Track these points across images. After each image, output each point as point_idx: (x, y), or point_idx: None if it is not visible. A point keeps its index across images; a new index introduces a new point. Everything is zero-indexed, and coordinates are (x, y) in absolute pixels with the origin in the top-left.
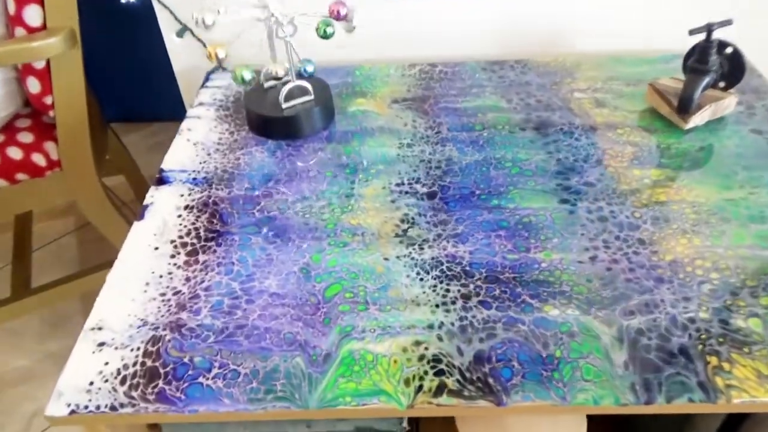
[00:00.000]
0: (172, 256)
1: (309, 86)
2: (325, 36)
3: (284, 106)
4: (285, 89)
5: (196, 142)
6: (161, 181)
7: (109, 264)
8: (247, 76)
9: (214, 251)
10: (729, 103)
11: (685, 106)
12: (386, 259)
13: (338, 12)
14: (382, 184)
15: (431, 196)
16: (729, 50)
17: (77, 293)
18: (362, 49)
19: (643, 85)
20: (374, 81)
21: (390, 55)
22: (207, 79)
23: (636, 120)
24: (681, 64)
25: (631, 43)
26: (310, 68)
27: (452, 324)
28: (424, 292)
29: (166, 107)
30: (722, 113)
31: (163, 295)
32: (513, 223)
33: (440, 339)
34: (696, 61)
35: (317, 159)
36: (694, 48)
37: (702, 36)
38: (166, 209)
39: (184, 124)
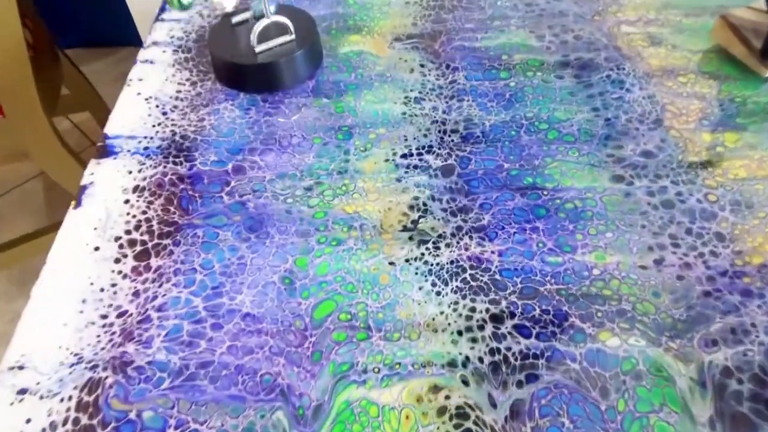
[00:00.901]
0: (117, 261)
1: (289, 23)
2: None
3: (258, 49)
4: (257, 28)
5: (148, 97)
6: (104, 152)
7: None
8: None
9: (171, 252)
10: None
11: None
12: (392, 263)
13: None
14: (384, 155)
15: (447, 171)
16: None
17: (47, 249)
18: None
19: (708, 16)
20: (371, 11)
21: None
22: (162, 9)
23: (701, 64)
24: None
25: None
26: (273, 7)
27: (480, 360)
28: (442, 312)
29: (133, 30)
30: None
31: (104, 317)
32: (553, 210)
33: (465, 383)
34: None
35: (301, 119)
36: None
37: None
38: (109, 192)
39: (134, 72)
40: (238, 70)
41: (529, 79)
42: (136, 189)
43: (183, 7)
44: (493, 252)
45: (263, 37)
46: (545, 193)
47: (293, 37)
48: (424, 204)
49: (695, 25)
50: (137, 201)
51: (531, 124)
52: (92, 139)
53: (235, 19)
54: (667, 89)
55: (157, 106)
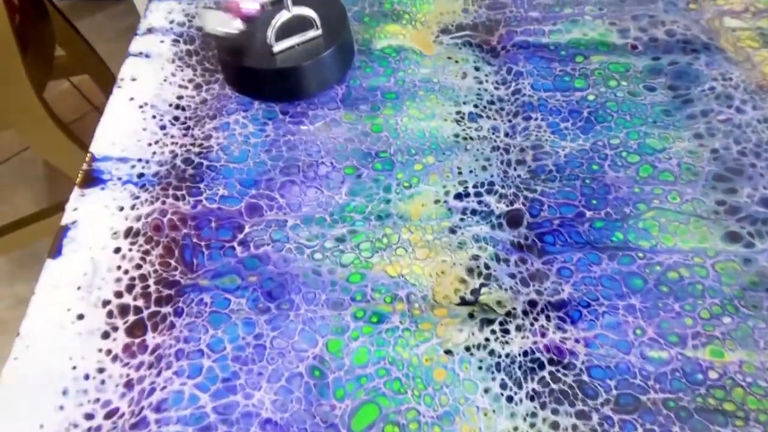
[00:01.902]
0: (105, 335)
1: (315, 15)
2: None
3: (276, 48)
4: (276, 23)
5: (143, 104)
6: (89, 179)
7: None
8: None
9: (172, 326)
10: None
11: None
12: (449, 351)
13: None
14: (433, 194)
15: (514, 220)
16: None
17: (50, 233)
18: None
19: None
20: None
21: None
22: None
23: None
24: None
25: None
26: None
27: None
28: (515, 429)
29: None
30: None
31: (89, 418)
32: (652, 282)
33: None
34: None
35: (330, 140)
36: None
37: None
38: (96, 237)
39: (126, 69)
40: (251, 75)
41: (611, 90)
42: (128, 233)
43: None
44: (577, 340)
45: (282, 32)
46: (640, 255)
47: (319, 32)
48: (487, 266)
49: None
50: (130, 250)
51: (617, 155)
52: (93, 103)
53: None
54: None
55: (154, 117)
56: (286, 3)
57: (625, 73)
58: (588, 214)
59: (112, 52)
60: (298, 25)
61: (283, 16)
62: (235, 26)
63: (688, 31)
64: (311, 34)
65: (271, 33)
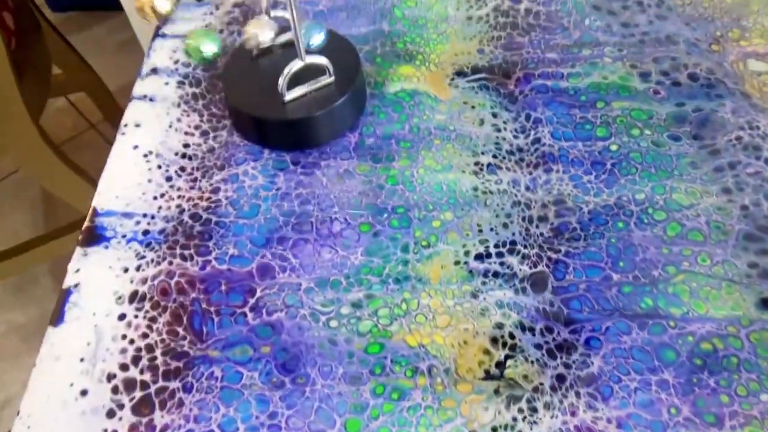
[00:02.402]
0: (111, 414)
1: (328, 63)
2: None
3: (287, 97)
4: (288, 72)
5: (148, 153)
6: (92, 236)
7: (83, 222)
8: (209, 49)
9: (181, 403)
10: None
11: None
12: None
13: None
14: (453, 255)
15: (539, 284)
16: None
17: (47, 259)
18: None
19: None
20: (425, 29)
21: None
22: (163, 22)
23: None
24: None
25: None
26: (317, 39)
27: None
28: None
29: None
30: None
31: None
32: (685, 354)
33: None
34: None
35: (343, 193)
36: None
37: None
38: (100, 302)
39: (129, 114)
40: (261, 124)
41: (635, 140)
42: (134, 297)
43: (206, 60)
44: (609, 420)
45: (294, 78)
46: (672, 324)
47: (332, 79)
48: (512, 336)
49: None
50: (136, 317)
51: (643, 212)
52: (90, 120)
53: (257, 50)
54: None
55: (159, 167)
56: (300, 51)
57: (648, 121)
58: (615, 277)
59: (111, 65)
60: (310, 71)
61: (295, 66)
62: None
63: (711, 74)
64: (324, 80)
65: (283, 82)
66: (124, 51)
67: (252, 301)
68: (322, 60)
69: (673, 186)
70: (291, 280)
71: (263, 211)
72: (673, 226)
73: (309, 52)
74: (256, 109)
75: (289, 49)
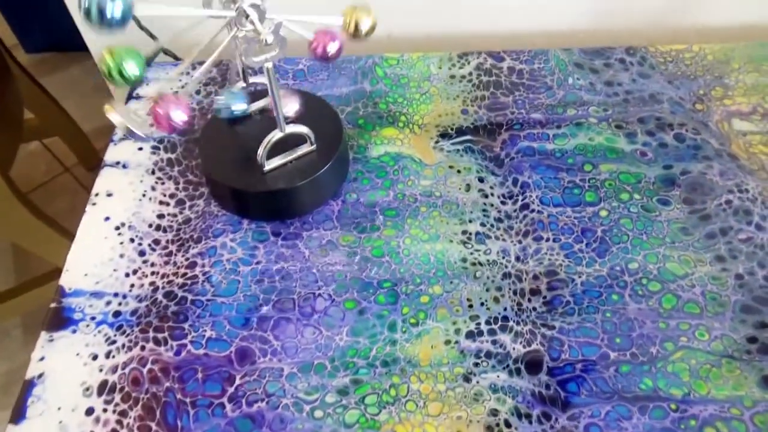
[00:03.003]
0: None
1: (309, 132)
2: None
3: (267, 167)
4: (267, 143)
5: (119, 225)
6: (59, 319)
7: (54, 273)
8: (132, 69)
9: None
10: None
11: None
12: None
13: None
14: (443, 334)
15: (533, 364)
16: None
17: (19, 312)
18: (383, 23)
19: None
20: (407, 89)
21: (428, 34)
22: (133, 88)
23: None
24: None
25: None
26: (238, 106)
27: None
28: None
29: None
30: None
31: None
32: None
33: None
34: None
35: (326, 267)
36: None
37: None
38: (66, 395)
39: (100, 183)
40: (240, 195)
41: (624, 205)
42: (103, 388)
43: (128, 81)
44: None
45: (274, 147)
46: (673, 407)
47: (314, 147)
48: (507, 424)
49: None
50: (105, 410)
51: (637, 283)
52: (64, 164)
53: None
54: None
55: (132, 240)
56: (280, 122)
57: (637, 185)
58: (612, 355)
59: (87, 107)
60: (290, 139)
61: (275, 136)
62: (155, 132)
63: (697, 135)
64: (305, 148)
65: (262, 153)
66: (101, 92)
67: (231, 389)
68: (302, 129)
69: (666, 254)
70: (272, 365)
71: (242, 287)
72: (668, 298)
73: (235, 118)
74: (235, 179)
75: (266, 118)
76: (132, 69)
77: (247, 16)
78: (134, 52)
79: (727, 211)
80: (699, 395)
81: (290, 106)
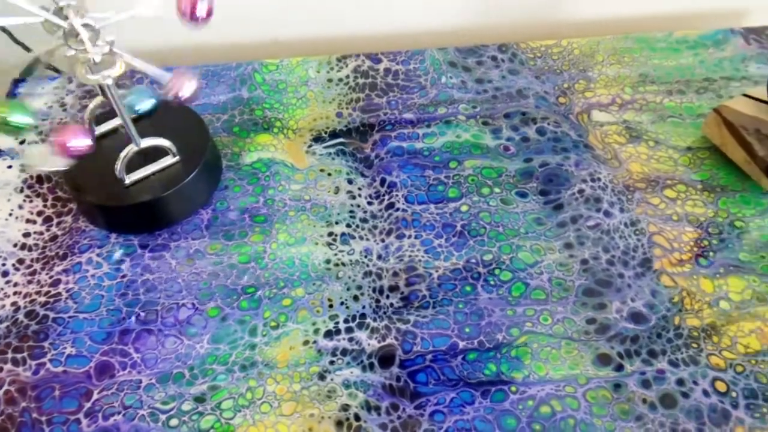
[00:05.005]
0: None
1: (169, 144)
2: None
3: (129, 180)
4: (124, 156)
5: None
6: None
7: None
8: (20, 119)
9: None
10: None
11: None
12: None
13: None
14: (302, 335)
15: (386, 358)
16: None
17: None
18: (262, 28)
19: (693, 94)
20: (284, 94)
21: (307, 38)
22: (16, 85)
23: (691, 168)
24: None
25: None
26: (144, 105)
27: None
28: None
29: None
30: None
31: None
32: (525, 420)
33: None
34: None
35: (192, 277)
36: None
37: None
38: None
39: None
40: (104, 209)
41: (484, 199)
42: None
43: (15, 130)
44: None
45: (136, 161)
46: (513, 389)
47: (177, 158)
48: (357, 418)
49: (680, 107)
50: None
51: (490, 273)
52: None
53: (98, 130)
54: (654, 210)
55: None
56: (133, 135)
57: (498, 179)
58: (461, 344)
59: None
60: (153, 151)
61: (131, 150)
62: (62, 164)
63: (558, 128)
64: (169, 160)
65: (120, 167)
66: None
67: (87, 405)
68: (161, 142)
69: (519, 244)
70: (131, 378)
71: (106, 302)
72: (518, 286)
73: (141, 117)
74: (98, 193)
75: (136, 126)
76: (18, 120)
77: (77, 35)
78: (17, 105)
79: (579, 199)
80: (538, 377)
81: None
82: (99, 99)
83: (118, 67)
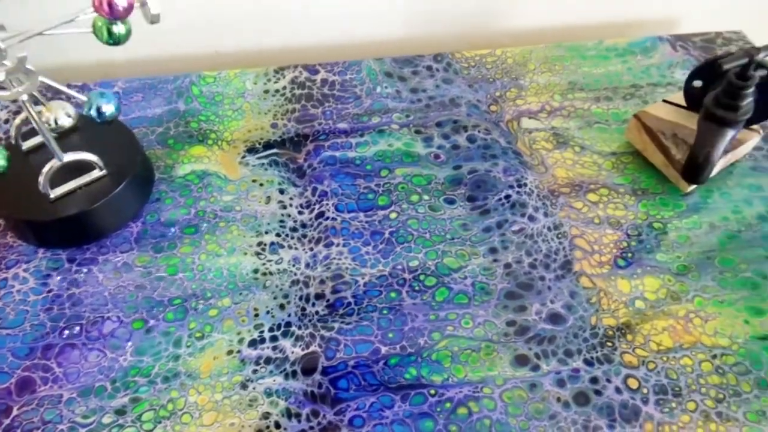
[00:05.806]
0: None
1: (95, 159)
2: (114, 40)
3: (53, 195)
4: (47, 171)
5: None
6: None
7: None
8: None
9: None
10: (749, 144)
11: (695, 172)
12: None
13: (109, 6)
14: (227, 344)
15: (308, 366)
16: (764, 73)
17: None
18: (199, 40)
19: (620, 100)
20: (220, 106)
21: (245, 50)
22: None
23: (614, 172)
24: (682, 67)
25: (600, 11)
26: (108, 108)
27: None
28: None
29: None
30: (737, 158)
31: None
32: (441, 422)
33: None
34: (722, 99)
35: (119, 290)
36: (710, 68)
37: (735, 61)
38: None
39: None
40: (29, 224)
41: (413, 206)
42: None
43: None
44: None
45: (61, 175)
46: (432, 392)
47: (104, 172)
48: (277, 425)
49: (606, 113)
50: None
51: (415, 279)
52: None
53: (26, 145)
54: (576, 214)
55: None
56: (55, 150)
57: (427, 186)
58: (384, 350)
59: None
60: (81, 165)
61: (54, 165)
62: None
63: (488, 135)
64: (95, 174)
65: (43, 182)
66: None
67: (7, 421)
68: (86, 156)
69: (445, 250)
70: (52, 393)
71: (30, 317)
72: (441, 291)
73: (103, 121)
74: (23, 208)
75: (64, 141)
76: None
77: None
78: None
79: (505, 205)
80: (457, 379)
81: (62, 118)
82: (25, 114)
83: (30, 84)
